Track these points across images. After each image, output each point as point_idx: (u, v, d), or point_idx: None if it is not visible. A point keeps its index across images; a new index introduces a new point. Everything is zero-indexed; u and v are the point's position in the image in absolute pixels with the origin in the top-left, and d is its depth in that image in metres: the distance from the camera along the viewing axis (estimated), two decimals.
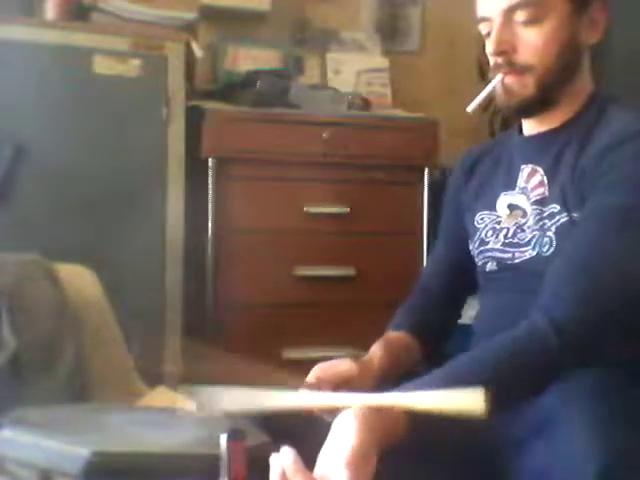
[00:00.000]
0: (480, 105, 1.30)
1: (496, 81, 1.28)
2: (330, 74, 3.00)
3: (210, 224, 2.45)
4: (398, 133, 2.63)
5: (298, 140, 2.52)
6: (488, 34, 1.30)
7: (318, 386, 1.30)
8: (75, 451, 1.00)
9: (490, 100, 1.32)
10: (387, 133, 2.62)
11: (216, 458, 0.99)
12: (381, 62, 3.08)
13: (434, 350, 1.50)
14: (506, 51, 1.26)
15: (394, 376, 1.39)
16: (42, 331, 1.53)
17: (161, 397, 1.71)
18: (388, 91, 3.04)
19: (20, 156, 2.14)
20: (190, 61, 2.46)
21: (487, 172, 1.45)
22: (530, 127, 1.36)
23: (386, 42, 3.15)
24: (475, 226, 1.43)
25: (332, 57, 3.03)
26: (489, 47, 1.29)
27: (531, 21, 1.24)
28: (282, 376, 1.29)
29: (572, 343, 1.06)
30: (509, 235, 1.35)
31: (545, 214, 1.29)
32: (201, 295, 2.44)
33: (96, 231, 2.23)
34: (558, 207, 1.26)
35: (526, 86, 1.27)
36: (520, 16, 1.24)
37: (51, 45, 2.23)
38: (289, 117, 2.55)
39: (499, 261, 1.36)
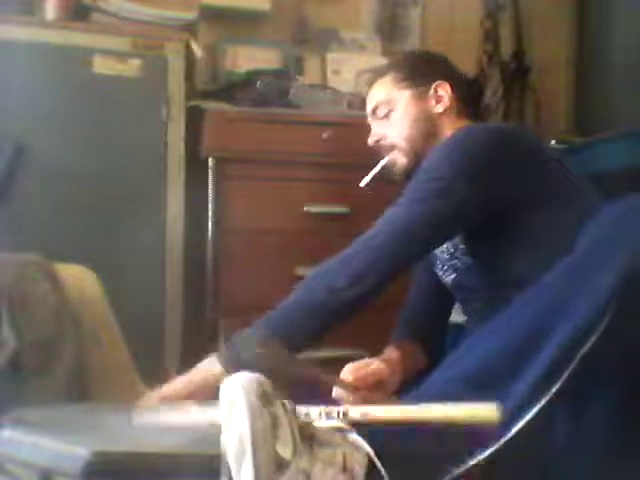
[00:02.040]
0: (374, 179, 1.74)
1: (383, 162, 1.70)
2: (330, 74, 3.00)
3: (210, 224, 2.44)
4: None
5: (298, 140, 2.52)
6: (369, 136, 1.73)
7: (354, 385, 1.36)
8: (75, 451, 1.00)
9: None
10: None
11: (216, 458, 0.99)
12: (381, 62, 3.08)
13: (435, 353, 1.57)
14: (379, 140, 1.70)
15: (409, 376, 1.54)
16: (42, 331, 1.53)
17: None
18: None
19: (20, 156, 2.14)
20: (190, 61, 2.45)
21: None
22: None
23: (386, 42, 3.15)
24: (434, 253, 1.67)
25: (332, 57, 3.03)
26: (369, 141, 1.73)
27: (387, 113, 1.68)
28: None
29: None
30: (448, 252, 1.63)
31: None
32: (201, 295, 2.44)
33: (96, 231, 2.23)
34: None
35: (399, 159, 1.67)
36: (380, 112, 1.69)
37: (51, 45, 2.23)
38: (289, 117, 2.54)
39: (456, 271, 1.63)
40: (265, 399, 0.98)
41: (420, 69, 1.70)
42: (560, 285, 1.13)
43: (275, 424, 0.97)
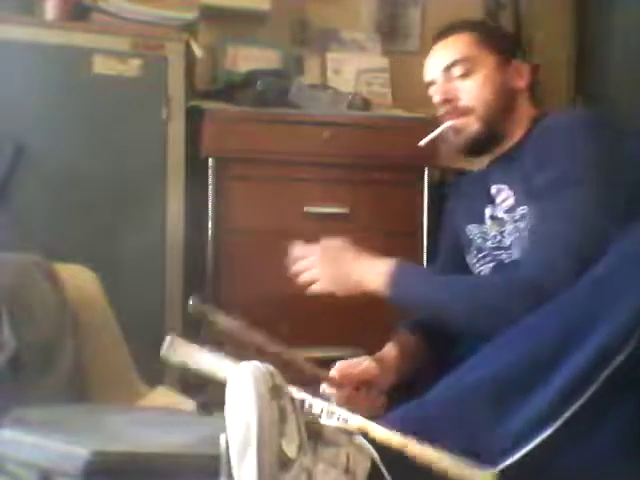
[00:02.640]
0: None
1: (445, 125, 1.57)
2: (330, 74, 3.00)
3: (210, 224, 2.44)
4: (398, 133, 2.63)
5: (298, 140, 2.52)
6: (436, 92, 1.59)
7: (341, 382, 1.36)
8: (75, 451, 1.00)
9: None
10: (387, 133, 2.62)
11: (216, 458, 0.99)
12: (381, 62, 3.08)
13: (442, 350, 1.57)
14: (450, 99, 1.55)
15: (407, 375, 1.52)
16: (42, 331, 1.53)
17: (161, 397, 1.71)
18: (388, 91, 3.04)
19: (20, 156, 2.14)
20: (190, 61, 2.45)
21: (473, 194, 1.63)
22: (490, 155, 1.60)
23: (386, 42, 3.15)
24: (469, 238, 1.59)
25: (332, 57, 3.03)
26: (436, 98, 1.58)
27: (466, 74, 1.54)
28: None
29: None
30: (495, 241, 1.52)
31: (517, 217, 1.46)
32: (201, 295, 2.44)
33: (96, 231, 2.23)
34: (527, 208, 1.44)
35: (471, 125, 1.54)
36: (457, 71, 1.54)
37: (51, 45, 2.23)
38: (289, 117, 2.54)
39: (497, 262, 1.52)
40: (275, 392, 0.97)
41: (503, 38, 1.64)
42: (587, 299, 1.12)
43: (282, 418, 0.96)
